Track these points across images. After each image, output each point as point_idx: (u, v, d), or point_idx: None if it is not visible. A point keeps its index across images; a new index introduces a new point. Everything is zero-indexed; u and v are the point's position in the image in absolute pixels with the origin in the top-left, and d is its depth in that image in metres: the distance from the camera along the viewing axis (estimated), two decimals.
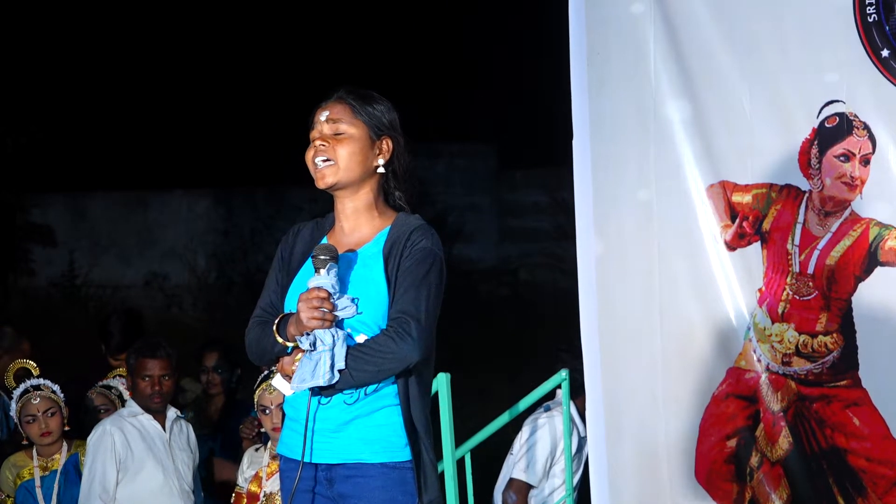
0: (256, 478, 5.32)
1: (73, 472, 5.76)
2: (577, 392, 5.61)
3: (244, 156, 14.22)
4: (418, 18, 13.64)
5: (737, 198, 4.88)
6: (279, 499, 5.22)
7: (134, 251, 14.81)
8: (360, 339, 3.51)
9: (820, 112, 4.74)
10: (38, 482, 5.75)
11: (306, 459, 3.55)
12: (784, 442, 4.83)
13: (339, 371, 3.44)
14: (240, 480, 5.43)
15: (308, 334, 3.45)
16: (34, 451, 5.80)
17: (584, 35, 5.06)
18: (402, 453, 3.53)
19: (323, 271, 3.48)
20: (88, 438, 5.64)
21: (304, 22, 14.11)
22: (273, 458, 5.31)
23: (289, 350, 3.53)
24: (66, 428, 5.80)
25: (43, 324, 12.30)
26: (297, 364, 3.51)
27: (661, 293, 4.98)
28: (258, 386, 5.39)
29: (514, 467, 5.85)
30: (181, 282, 14.61)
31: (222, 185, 14.98)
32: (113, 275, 14.40)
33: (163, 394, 5.70)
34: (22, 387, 5.79)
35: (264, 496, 5.24)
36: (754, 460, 4.88)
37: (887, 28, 4.63)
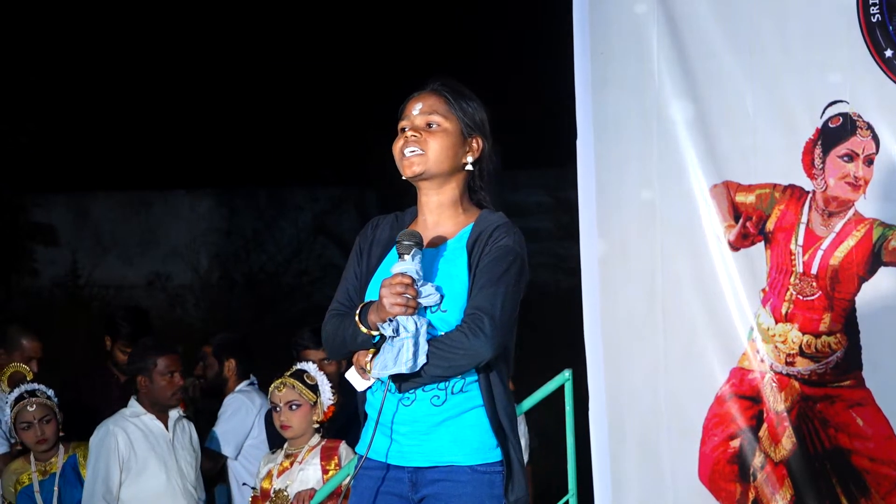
0: (269, 475, 5.31)
1: (71, 474, 5.72)
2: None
3: (246, 156, 14.22)
4: (419, 19, 13.62)
5: (740, 198, 4.88)
6: (286, 493, 5.22)
7: (136, 251, 14.80)
8: None
9: (823, 112, 4.73)
10: (36, 487, 5.70)
11: (391, 462, 3.49)
12: (787, 442, 4.82)
13: (423, 360, 3.35)
14: (254, 483, 5.43)
15: (391, 321, 3.35)
16: (31, 455, 5.76)
17: (587, 35, 5.06)
18: (493, 454, 3.47)
19: (407, 257, 3.38)
20: (91, 439, 5.62)
21: (304, 22, 14.11)
22: (287, 456, 5.29)
23: (375, 339, 3.41)
24: (61, 433, 5.77)
25: (46, 324, 12.28)
26: (369, 356, 3.41)
27: (665, 293, 4.98)
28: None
29: None
30: (184, 282, 14.59)
31: (224, 186, 14.97)
32: (116, 275, 14.39)
33: (181, 388, 5.78)
34: (16, 392, 5.73)
35: (274, 493, 5.22)
36: (757, 461, 4.87)
37: (891, 28, 4.63)
